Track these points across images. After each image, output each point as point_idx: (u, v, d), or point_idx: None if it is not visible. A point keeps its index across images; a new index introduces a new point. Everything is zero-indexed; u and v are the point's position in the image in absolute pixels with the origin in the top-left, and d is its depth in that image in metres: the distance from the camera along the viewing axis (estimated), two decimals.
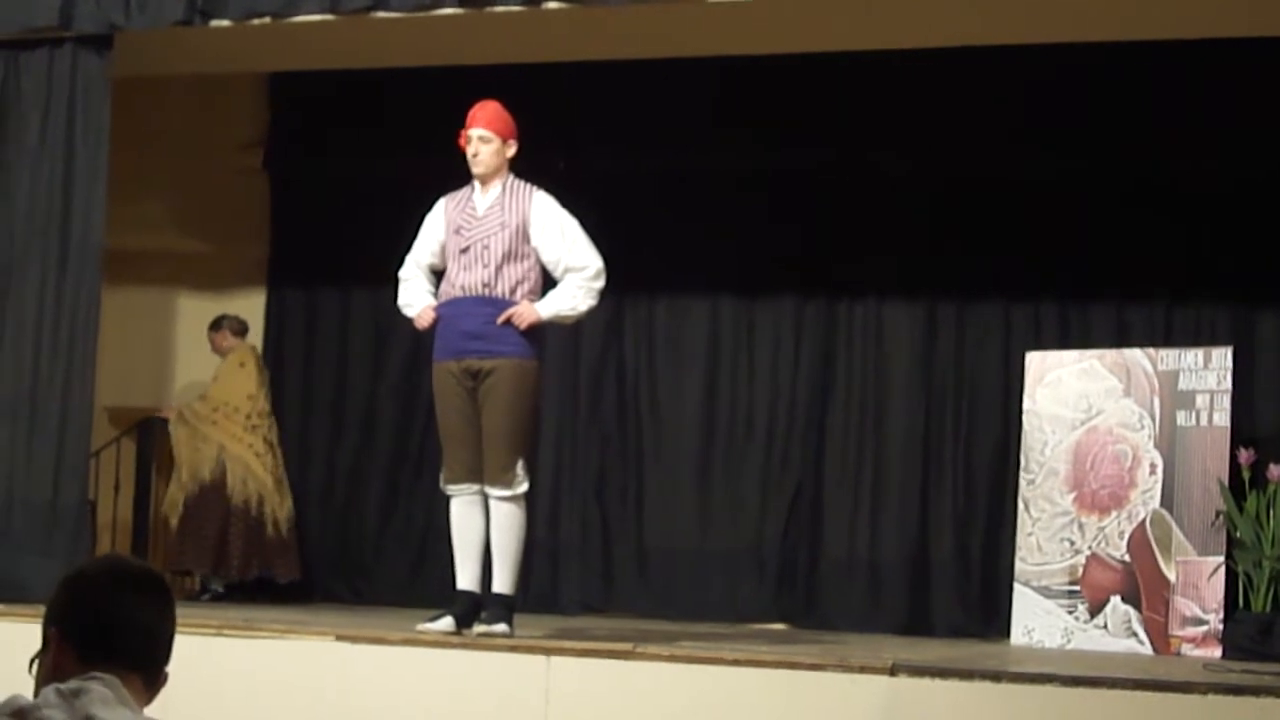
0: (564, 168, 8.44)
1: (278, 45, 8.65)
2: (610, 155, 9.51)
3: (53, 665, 2.63)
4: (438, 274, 7.09)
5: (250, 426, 9.60)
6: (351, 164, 10.06)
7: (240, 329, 9.83)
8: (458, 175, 7.10)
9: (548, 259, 6.91)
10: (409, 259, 7.17)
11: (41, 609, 2.74)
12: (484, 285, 6.83)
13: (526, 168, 7.06)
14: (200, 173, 10.34)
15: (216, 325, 9.83)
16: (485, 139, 6.92)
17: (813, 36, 8.34)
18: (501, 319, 6.76)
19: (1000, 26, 7.97)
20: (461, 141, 6.97)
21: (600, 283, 6.92)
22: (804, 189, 9.52)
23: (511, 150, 6.99)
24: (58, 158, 8.25)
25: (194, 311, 10.32)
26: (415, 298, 7.13)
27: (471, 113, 6.98)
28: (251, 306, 10.20)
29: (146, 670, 2.64)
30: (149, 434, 9.98)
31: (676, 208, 9.60)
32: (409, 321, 7.28)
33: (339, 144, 10.09)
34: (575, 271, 6.89)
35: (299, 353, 10.31)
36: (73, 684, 2.54)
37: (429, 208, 7.16)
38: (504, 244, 6.85)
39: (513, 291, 6.83)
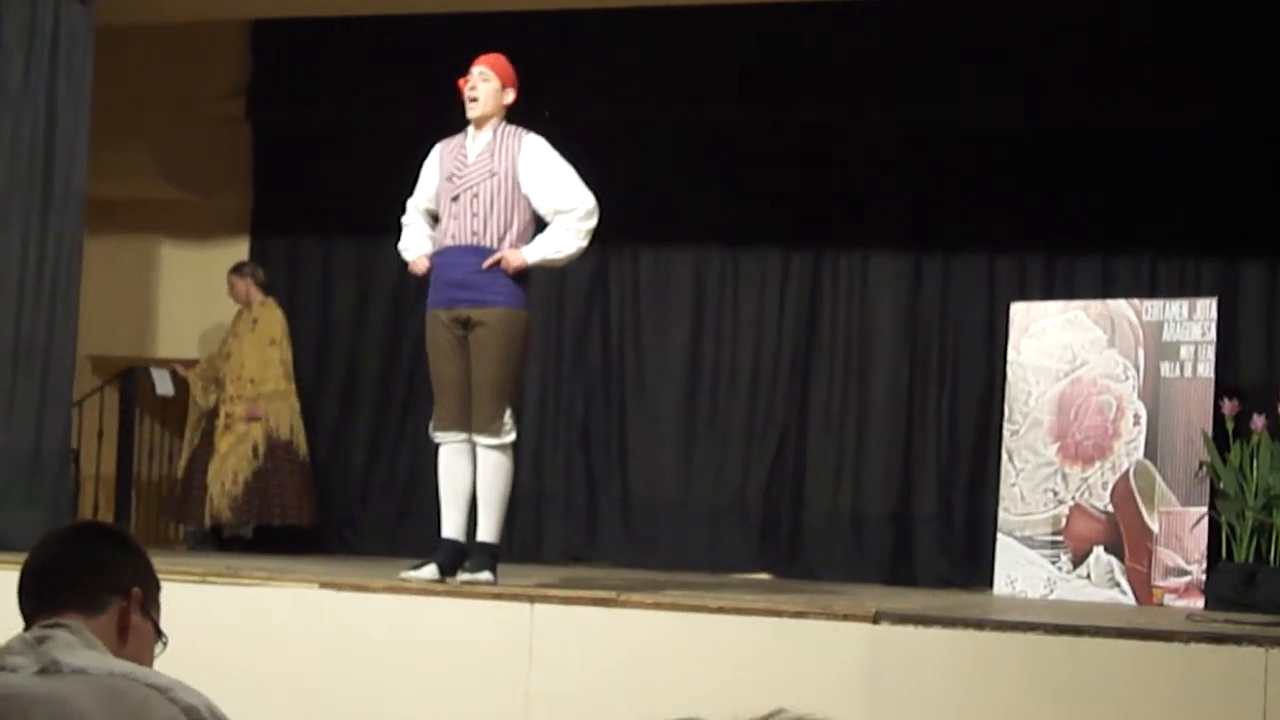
0: (549, 117, 8.39)
1: None
2: (596, 105, 9.46)
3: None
4: (437, 218, 7.05)
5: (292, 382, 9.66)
6: (334, 112, 10.01)
7: (265, 283, 9.77)
8: (442, 123, 7.05)
9: (539, 205, 6.83)
10: (409, 203, 7.11)
11: (23, 557, 2.76)
12: (473, 234, 6.77)
13: (512, 117, 7.00)
14: (183, 121, 10.28)
15: (239, 270, 9.75)
16: (486, 76, 6.85)
17: None
18: (487, 264, 6.70)
19: None
20: (461, 83, 6.91)
21: (591, 222, 6.82)
22: (789, 140, 9.51)
23: (509, 98, 6.91)
24: (40, 107, 8.18)
25: (177, 260, 10.31)
26: (413, 243, 7.07)
27: (477, 58, 6.93)
28: (234, 255, 10.15)
29: (84, 608, 2.65)
30: (132, 383, 9.97)
31: (662, 158, 9.57)
32: (392, 270, 7.24)
33: (321, 92, 10.03)
34: (564, 213, 6.81)
35: (282, 303, 10.23)
36: (37, 631, 2.58)
37: (412, 156, 7.11)
38: (493, 191, 6.78)
39: (502, 239, 6.76)
